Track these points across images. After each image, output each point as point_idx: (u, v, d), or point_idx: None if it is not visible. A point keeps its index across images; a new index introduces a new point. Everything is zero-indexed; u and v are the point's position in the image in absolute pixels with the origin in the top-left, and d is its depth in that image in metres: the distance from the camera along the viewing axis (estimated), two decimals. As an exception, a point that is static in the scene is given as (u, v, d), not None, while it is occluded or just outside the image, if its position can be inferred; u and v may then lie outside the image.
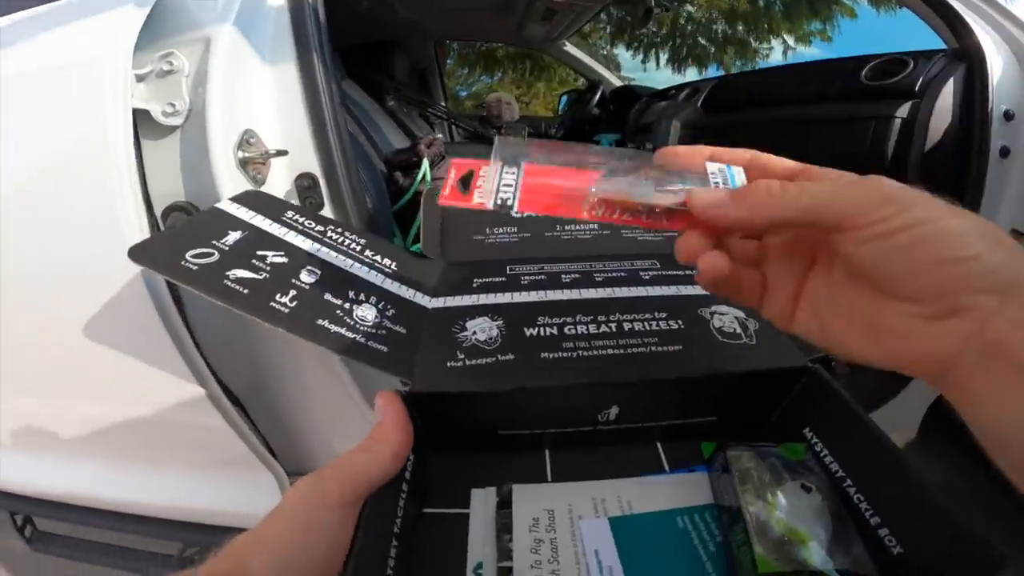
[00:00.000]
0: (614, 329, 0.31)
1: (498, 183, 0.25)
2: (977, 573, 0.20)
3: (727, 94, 1.50)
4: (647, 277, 0.37)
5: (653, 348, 0.30)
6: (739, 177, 0.23)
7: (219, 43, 0.53)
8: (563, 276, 0.38)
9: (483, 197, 0.24)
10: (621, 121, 1.95)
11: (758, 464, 0.27)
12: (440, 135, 1.05)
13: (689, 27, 6.28)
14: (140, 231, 0.49)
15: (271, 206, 0.39)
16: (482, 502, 0.28)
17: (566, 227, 0.45)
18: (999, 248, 0.18)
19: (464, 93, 4.75)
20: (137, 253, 0.31)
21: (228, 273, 0.30)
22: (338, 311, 0.31)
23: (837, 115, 1.09)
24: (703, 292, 0.35)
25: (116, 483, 0.68)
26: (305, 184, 0.60)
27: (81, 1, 0.57)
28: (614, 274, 0.38)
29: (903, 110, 0.94)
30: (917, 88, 0.93)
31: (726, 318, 0.33)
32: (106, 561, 0.72)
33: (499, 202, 0.24)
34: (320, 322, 0.29)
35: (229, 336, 0.60)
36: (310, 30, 0.57)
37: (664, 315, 0.33)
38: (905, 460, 0.24)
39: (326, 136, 0.58)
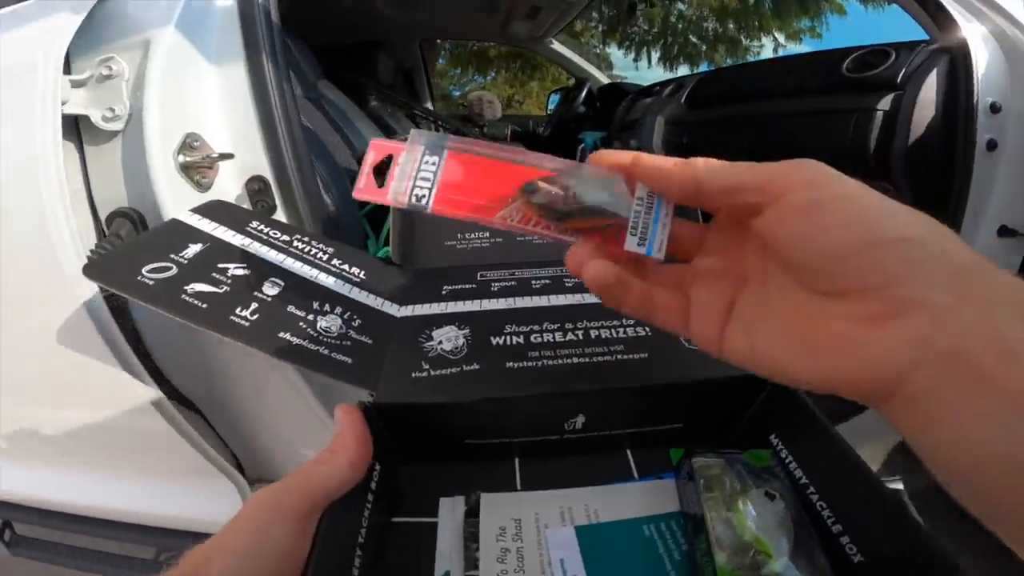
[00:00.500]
0: (580, 337, 0.31)
1: (416, 174, 0.23)
2: None
3: (711, 89, 1.48)
4: None
5: (619, 356, 0.30)
6: (665, 207, 0.22)
7: (158, 46, 0.52)
8: (533, 282, 0.37)
9: (394, 194, 0.23)
10: (607, 119, 1.93)
11: (724, 471, 0.27)
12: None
13: (680, 25, 6.29)
14: (71, 237, 0.48)
15: (234, 216, 0.38)
16: (450, 511, 0.28)
17: None
18: (945, 236, 0.16)
19: (457, 93, 4.74)
20: (91, 270, 0.30)
21: (186, 287, 0.29)
22: (301, 323, 0.30)
23: (818, 108, 1.07)
24: None
25: (87, 490, 0.68)
26: (255, 187, 0.58)
27: (17, 10, 0.55)
28: None
29: (885, 102, 0.92)
30: (899, 80, 0.91)
31: None
32: (85, 565, 0.73)
33: (414, 200, 0.23)
34: (282, 335, 0.29)
35: (180, 342, 0.58)
36: (259, 30, 0.56)
37: (632, 321, 0.32)
38: (868, 469, 0.23)
39: (276, 138, 0.56)
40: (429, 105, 2.46)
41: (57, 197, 0.46)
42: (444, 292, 0.37)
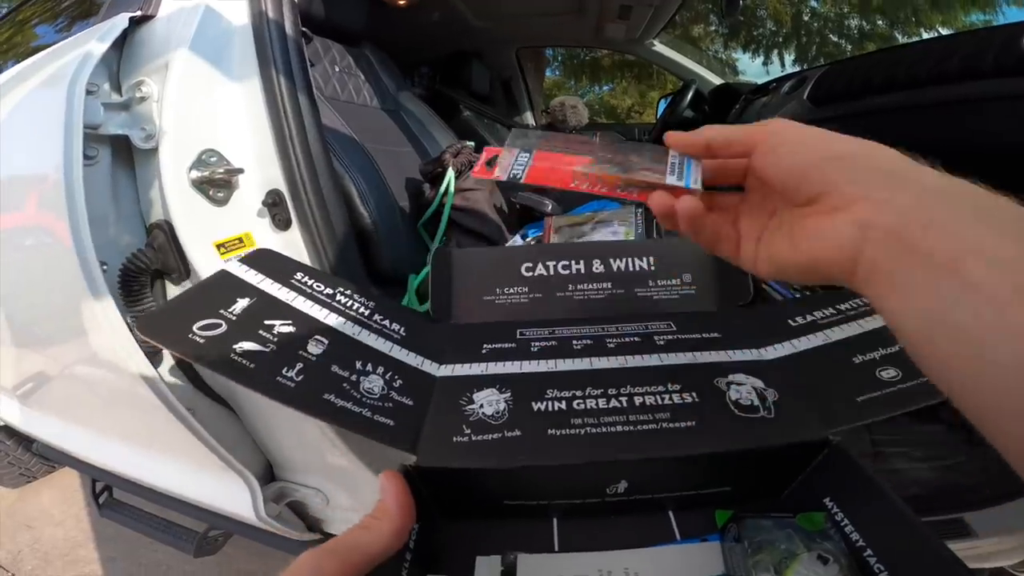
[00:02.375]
0: (624, 404, 0.31)
1: (512, 162, 0.30)
2: None
3: (839, 82, 1.23)
4: (662, 342, 0.36)
5: (664, 424, 0.29)
6: (694, 161, 0.27)
7: (175, 67, 0.54)
8: (574, 342, 0.37)
9: (500, 172, 0.30)
10: (719, 122, 1.73)
11: (774, 534, 0.27)
12: (470, 143, 0.98)
13: (815, 24, 5.49)
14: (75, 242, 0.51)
15: (280, 267, 0.38)
16: (486, 571, 0.28)
17: (578, 287, 0.43)
18: (875, 151, 0.21)
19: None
20: (146, 327, 0.31)
21: (235, 347, 0.30)
22: (344, 383, 0.31)
23: (993, 93, 0.83)
24: (719, 359, 0.34)
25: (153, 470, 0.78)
26: (270, 201, 0.57)
27: (57, 48, 0.62)
28: (627, 339, 0.37)
29: None
30: None
31: (743, 389, 0.31)
32: (150, 532, 0.85)
33: (512, 175, 0.29)
34: (327, 396, 0.29)
35: None
36: (269, 45, 0.55)
37: (678, 387, 0.31)
38: (927, 529, 0.24)
39: (287, 152, 0.55)
40: (529, 114, 2.44)
41: (64, 213, 0.49)
42: (484, 351, 0.36)
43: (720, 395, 0.31)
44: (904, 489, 0.64)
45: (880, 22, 5.23)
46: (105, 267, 0.56)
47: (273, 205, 0.57)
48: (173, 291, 0.62)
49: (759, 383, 0.31)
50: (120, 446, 0.79)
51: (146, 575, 1.15)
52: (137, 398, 0.60)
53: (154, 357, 0.59)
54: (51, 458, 1.00)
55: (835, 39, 5.44)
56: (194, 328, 0.30)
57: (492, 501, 0.31)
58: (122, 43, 0.58)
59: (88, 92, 0.53)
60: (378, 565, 0.23)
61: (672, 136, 0.27)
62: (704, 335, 0.36)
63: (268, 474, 0.75)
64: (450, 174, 0.92)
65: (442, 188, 0.91)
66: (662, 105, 2.25)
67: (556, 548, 0.30)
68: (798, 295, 0.66)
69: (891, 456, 0.69)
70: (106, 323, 0.55)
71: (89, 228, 0.50)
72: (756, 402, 0.30)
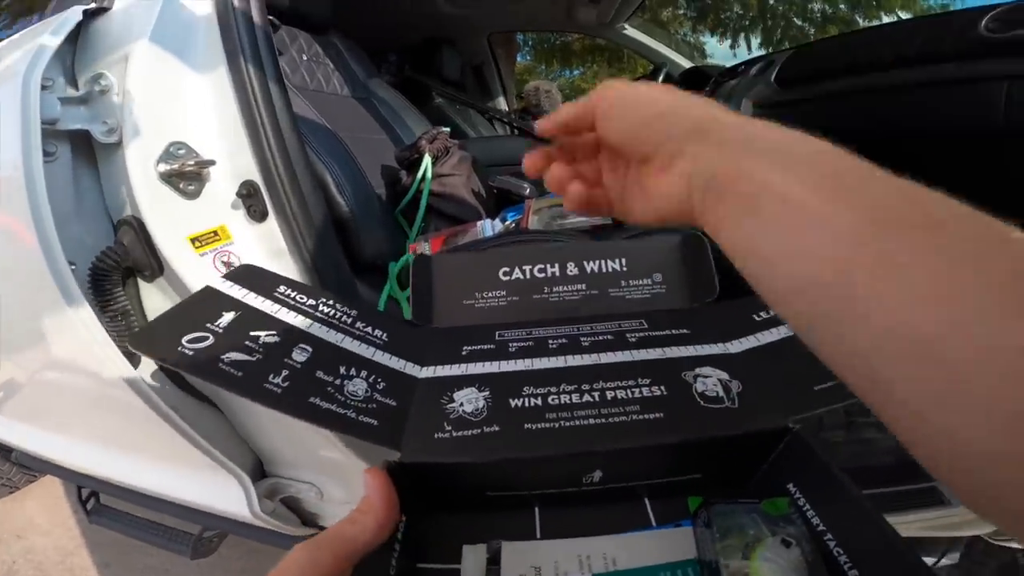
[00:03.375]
0: (596, 398, 0.32)
1: None
2: None
3: (805, 64, 1.27)
4: (633, 339, 0.38)
5: (634, 416, 0.31)
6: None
7: (134, 59, 0.52)
8: (550, 342, 0.39)
9: None
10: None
11: (741, 519, 0.28)
12: (446, 128, 0.98)
13: (780, 7, 5.58)
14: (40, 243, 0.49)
15: (263, 281, 0.40)
16: (472, 558, 0.30)
17: (554, 289, 0.45)
18: (696, 106, 0.23)
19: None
20: (137, 342, 0.33)
21: (223, 357, 0.31)
22: (329, 387, 0.32)
23: (951, 76, 0.86)
24: (687, 354, 0.36)
25: (135, 474, 0.77)
26: (244, 192, 0.56)
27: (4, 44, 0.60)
28: (601, 337, 0.39)
29: None
30: None
31: (709, 381, 0.33)
32: (144, 536, 0.84)
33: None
34: (312, 400, 0.31)
35: None
36: (237, 34, 0.53)
37: (648, 381, 0.33)
38: (880, 516, 0.25)
39: (260, 142, 0.54)
40: (502, 99, 2.42)
41: (27, 211, 0.47)
42: (464, 353, 0.38)
43: (687, 387, 0.33)
44: (877, 458, 0.66)
45: (842, 6, 5.36)
46: (74, 267, 0.54)
47: (248, 196, 0.56)
48: (146, 288, 0.60)
49: (724, 375, 0.33)
50: (103, 450, 0.77)
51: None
52: (118, 400, 0.58)
53: (132, 358, 0.58)
54: (32, 467, 0.98)
55: (799, 23, 5.55)
56: (183, 341, 0.32)
57: (475, 493, 0.32)
58: (76, 37, 0.55)
59: (43, 87, 0.51)
60: (366, 556, 0.24)
61: (539, 123, 0.30)
62: (673, 331, 0.39)
63: (259, 471, 0.74)
64: (427, 160, 0.91)
65: (419, 174, 0.90)
66: (634, 89, 2.26)
67: (538, 535, 0.32)
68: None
69: (863, 426, 0.72)
70: (80, 325, 0.53)
71: (54, 227, 0.49)
72: (721, 393, 0.32)
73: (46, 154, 0.53)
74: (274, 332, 0.35)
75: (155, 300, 0.60)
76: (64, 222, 0.55)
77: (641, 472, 0.32)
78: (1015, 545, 0.77)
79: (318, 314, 0.38)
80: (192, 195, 0.54)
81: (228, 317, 0.35)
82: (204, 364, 0.31)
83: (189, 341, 0.32)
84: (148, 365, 0.61)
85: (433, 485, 0.31)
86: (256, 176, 0.56)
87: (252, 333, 0.34)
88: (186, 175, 0.53)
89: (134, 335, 0.34)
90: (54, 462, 0.85)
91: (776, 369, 0.34)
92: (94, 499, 0.90)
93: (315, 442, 0.65)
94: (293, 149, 0.58)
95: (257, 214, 0.57)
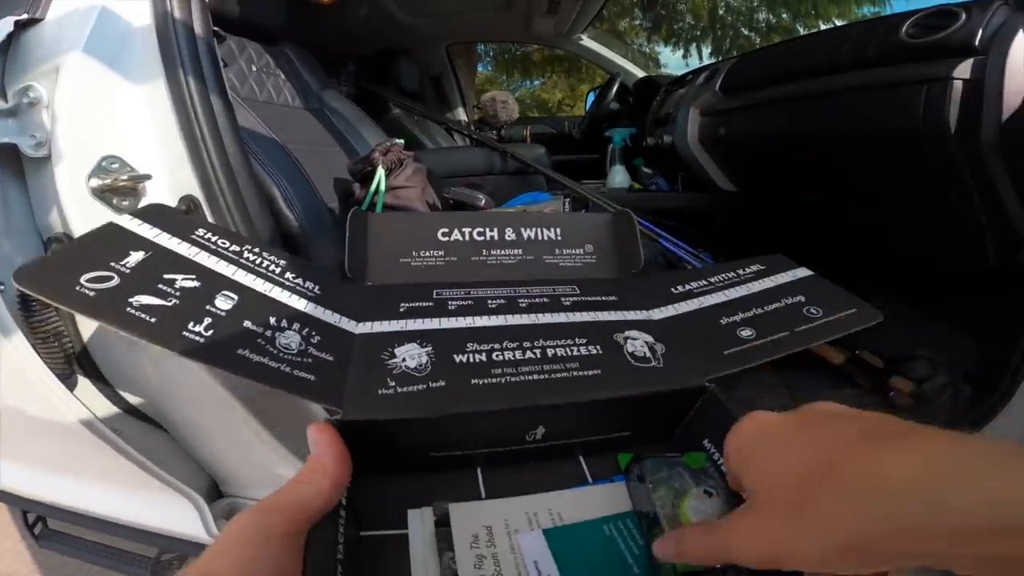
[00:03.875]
0: (538, 355, 0.33)
1: None
2: None
3: (747, 72, 1.32)
4: (568, 303, 0.39)
5: (575, 373, 0.32)
6: None
7: (65, 70, 0.50)
8: (489, 302, 0.39)
9: None
10: (643, 114, 1.80)
11: (668, 473, 0.30)
12: (400, 140, 0.98)
13: (729, 18, 5.87)
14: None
15: (179, 223, 0.36)
16: (419, 522, 0.29)
17: (491, 252, 0.45)
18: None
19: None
20: (23, 277, 0.27)
21: (131, 300, 0.28)
22: (259, 339, 0.29)
23: (875, 81, 0.91)
24: (617, 318, 0.38)
25: (85, 497, 0.72)
26: (184, 208, 0.54)
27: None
28: (537, 299, 0.39)
29: (963, 69, 0.76)
30: (977, 43, 0.75)
31: (637, 343, 0.35)
32: (98, 560, 0.81)
33: None
34: (241, 352, 0.28)
35: (125, 360, 0.58)
36: (176, 45, 0.52)
37: (584, 341, 0.35)
38: None
39: (200, 155, 0.53)
40: (461, 110, 2.43)
41: None
42: (402, 309, 0.37)
43: (619, 348, 0.34)
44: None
45: (784, 15, 5.66)
46: (2, 288, 0.51)
47: (187, 212, 0.55)
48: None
49: (649, 338, 0.35)
50: (46, 474, 0.73)
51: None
52: (56, 424, 0.56)
53: (68, 380, 0.55)
54: (-31, 492, 0.91)
55: (746, 32, 5.83)
56: (82, 280, 0.27)
57: (416, 453, 0.31)
58: (7, 48, 0.53)
59: (-33, 100, 0.49)
60: (316, 524, 0.22)
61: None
62: (603, 298, 0.40)
63: (215, 491, 0.72)
64: (380, 172, 0.90)
65: (372, 187, 0.89)
66: (591, 98, 2.32)
67: (483, 495, 0.32)
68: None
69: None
70: (11, 348, 0.51)
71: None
72: (648, 354, 0.34)
73: (-32, 169, 0.50)
74: (193, 276, 0.31)
75: (90, 321, 0.58)
76: (-11, 240, 0.52)
77: (580, 428, 0.33)
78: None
79: (243, 261, 0.35)
80: (126, 211, 0.53)
81: (137, 256, 0.31)
82: (108, 307, 0.27)
83: (89, 280, 0.28)
84: (86, 387, 0.59)
85: (375, 446, 0.29)
86: (196, 191, 0.54)
87: (167, 276, 0.30)
88: (120, 190, 0.51)
89: (19, 271, 0.27)
90: (-6, 487, 0.80)
91: (692, 335, 0.37)
92: (41, 523, 0.85)
93: (271, 460, 0.63)
94: (236, 162, 0.57)
95: (200, 229, 0.56)
